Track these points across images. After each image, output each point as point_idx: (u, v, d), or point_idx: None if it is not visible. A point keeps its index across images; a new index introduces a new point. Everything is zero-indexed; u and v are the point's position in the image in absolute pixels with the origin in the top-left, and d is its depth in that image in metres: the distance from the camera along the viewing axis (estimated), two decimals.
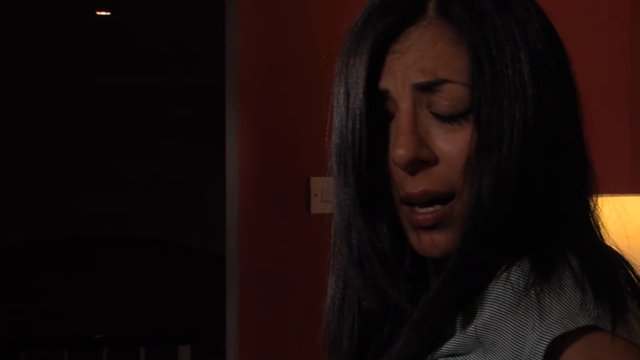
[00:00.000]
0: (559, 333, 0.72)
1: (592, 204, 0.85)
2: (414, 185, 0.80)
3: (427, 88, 0.79)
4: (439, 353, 0.77)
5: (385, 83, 0.81)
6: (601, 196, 2.31)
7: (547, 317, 0.73)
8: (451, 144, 0.79)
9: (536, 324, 0.73)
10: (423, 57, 0.80)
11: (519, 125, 0.78)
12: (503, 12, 0.79)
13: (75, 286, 6.00)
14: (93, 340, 4.81)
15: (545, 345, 0.72)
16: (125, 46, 5.76)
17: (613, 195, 2.11)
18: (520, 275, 0.76)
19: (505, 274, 0.76)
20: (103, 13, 5.51)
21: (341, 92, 0.83)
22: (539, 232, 0.78)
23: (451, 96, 0.79)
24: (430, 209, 0.80)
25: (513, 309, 0.74)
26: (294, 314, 2.44)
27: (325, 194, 2.40)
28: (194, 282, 6.39)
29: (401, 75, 0.80)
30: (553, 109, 0.80)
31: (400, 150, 0.79)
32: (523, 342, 0.73)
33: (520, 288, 0.75)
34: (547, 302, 0.73)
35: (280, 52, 2.49)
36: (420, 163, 0.79)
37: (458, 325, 0.77)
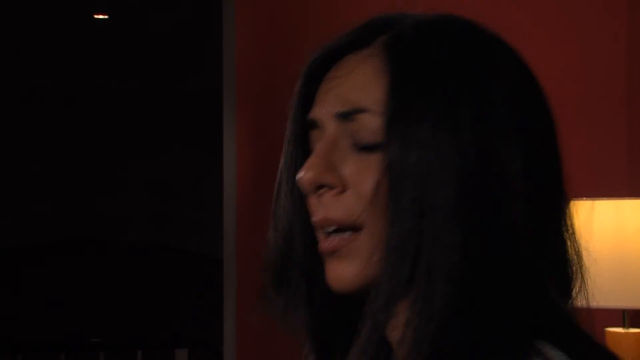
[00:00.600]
0: None
1: (568, 272, 0.76)
2: (319, 211, 0.77)
3: (346, 117, 0.77)
4: None
5: (314, 112, 0.80)
6: (599, 199, 2.29)
7: None
8: (362, 174, 0.75)
9: None
10: (347, 86, 0.77)
11: (448, 169, 0.71)
12: (450, 52, 0.75)
13: (73, 289, 5.99)
14: (90, 344, 4.81)
15: None
16: (123, 49, 5.76)
17: (610, 199, 2.11)
18: None
19: None
20: (101, 16, 5.51)
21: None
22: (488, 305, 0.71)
23: (369, 126, 0.76)
24: (337, 235, 0.77)
25: None
26: None
27: None
28: (192, 285, 6.39)
29: (326, 103, 0.79)
30: (504, 159, 0.73)
31: (302, 172, 0.77)
32: None
33: None
34: None
35: (278, 55, 2.49)
36: (325, 188, 0.77)
37: None
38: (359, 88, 0.77)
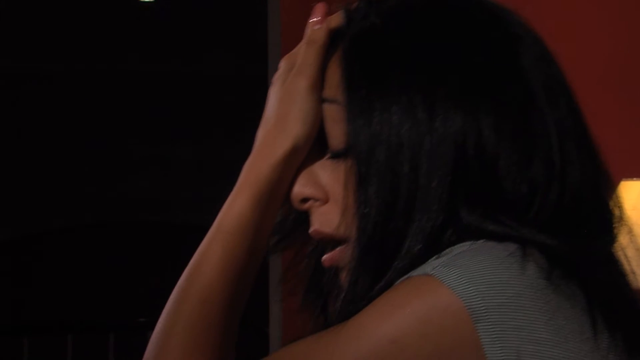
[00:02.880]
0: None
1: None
2: (311, 224, 0.77)
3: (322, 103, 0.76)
4: None
5: None
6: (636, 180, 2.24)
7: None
8: (337, 181, 0.74)
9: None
10: (324, 76, 0.77)
11: (404, 157, 0.70)
12: (404, 36, 0.73)
13: (119, 271, 6.06)
14: (137, 324, 4.87)
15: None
16: (169, 32, 5.80)
17: None
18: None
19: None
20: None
21: None
22: None
23: (333, 119, 0.75)
24: (336, 249, 0.76)
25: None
26: None
27: None
28: None
29: None
30: (467, 138, 0.70)
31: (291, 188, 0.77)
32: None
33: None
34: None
35: None
36: (310, 201, 0.76)
37: None
38: (326, 80, 0.76)
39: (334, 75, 0.76)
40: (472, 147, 0.70)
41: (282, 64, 0.79)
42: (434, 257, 0.67)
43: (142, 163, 6.41)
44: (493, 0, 0.77)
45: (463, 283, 0.64)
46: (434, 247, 0.69)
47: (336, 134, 0.75)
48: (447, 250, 0.68)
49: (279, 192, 0.76)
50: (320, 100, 0.76)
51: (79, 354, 4.42)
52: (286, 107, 0.76)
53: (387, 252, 0.70)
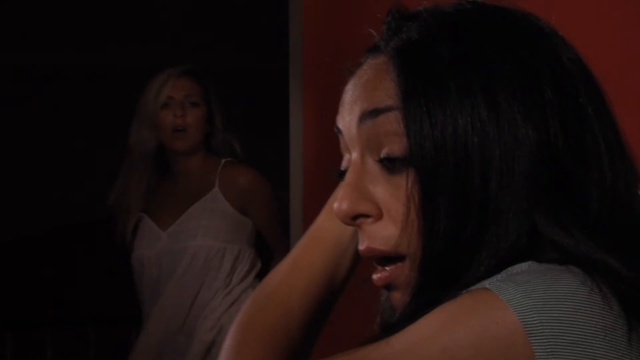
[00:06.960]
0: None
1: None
2: (363, 241, 0.74)
3: (367, 117, 0.73)
4: None
5: (338, 120, 0.79)
6: None
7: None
8: (393, 197, 0.71)
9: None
10: (366, 91, 0.75)
11: (473, 169, 0.67)
12: (457, 47, 0.71)
13: (125, 267, 6.10)
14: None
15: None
16: (186, 28, 5.80)
17: None
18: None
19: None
20: None
21: None
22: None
23: (389, 130, 0.71)
24: (387, 268, 0.73)
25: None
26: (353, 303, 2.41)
27: None
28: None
29: (347, 112, 0.77)
30: (531, 148, 0.68)
31: (337, 203, 0.74)
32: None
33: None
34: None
35: (344, 35, 2.46)
36: (362, 218, 0.73)
37: None
38: (376, 90, 0.74)
39: (383, 86, 0.73)
40: (544, 151, 0.68)
41: None
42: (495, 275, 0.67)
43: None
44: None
45: (517, 297, 0.63)
46: (508, 260, 0.67)
47: (392, 145, 0.72)
48: (508, 268, 0.67)
49: None
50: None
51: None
52: None
53: (454, 269, 0.68)
